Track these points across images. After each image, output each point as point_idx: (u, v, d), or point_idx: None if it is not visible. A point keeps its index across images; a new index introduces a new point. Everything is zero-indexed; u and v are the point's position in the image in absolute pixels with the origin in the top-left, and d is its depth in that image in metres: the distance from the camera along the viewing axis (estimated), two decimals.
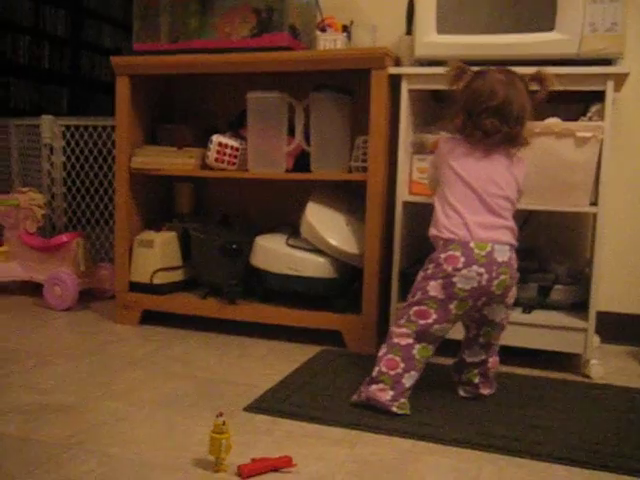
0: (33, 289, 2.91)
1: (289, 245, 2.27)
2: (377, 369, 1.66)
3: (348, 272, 2.26)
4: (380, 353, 1.68)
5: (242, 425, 1.55)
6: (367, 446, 1.47)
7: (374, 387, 1.65)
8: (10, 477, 1.28)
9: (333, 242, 2.20)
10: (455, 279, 1.61)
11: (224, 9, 2.36)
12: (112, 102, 2.45)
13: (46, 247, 2.84)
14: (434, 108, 2.34)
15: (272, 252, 2.27)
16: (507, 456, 1.43)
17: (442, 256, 1.63)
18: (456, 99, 1.73)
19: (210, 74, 2.43)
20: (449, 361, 1.87)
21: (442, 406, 1.70)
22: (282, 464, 1.34)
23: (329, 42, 2.31)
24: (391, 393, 1.62)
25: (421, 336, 1.64)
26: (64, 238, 2.80)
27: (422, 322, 1.64)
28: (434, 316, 1.63)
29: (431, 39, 2.07)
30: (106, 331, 2.40)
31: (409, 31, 2.29)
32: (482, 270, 1.60)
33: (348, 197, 2.35)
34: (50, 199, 3.20)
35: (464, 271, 1.60)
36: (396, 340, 1.66)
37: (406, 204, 2.15)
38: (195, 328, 2.41)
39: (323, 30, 2.35)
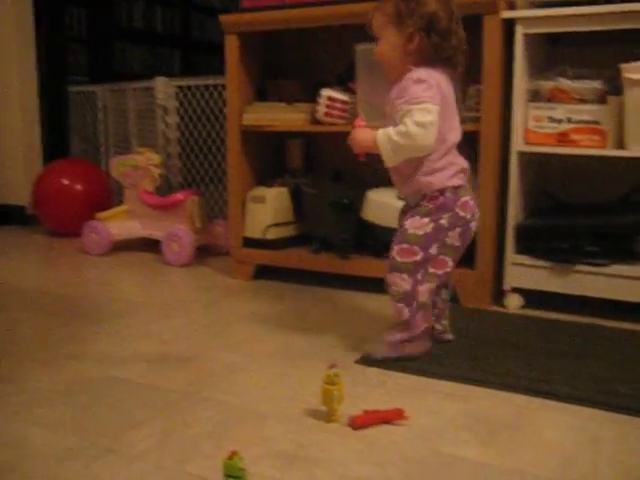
0: (152, 246, 3.03)
1: (400, 198, 2.23)
2: (413, 331, 1.64)
3: None
4: (408, 315, 1.61)
5: (354, 377, 1.55)
6: (480, 401, 1.44)
7: (414, 344, 1.65)
8: (134, 420, 1.35)
9: None
10: (472, 224, 1.63)
11: None
12: (222, 62, 2.48)
13: (163, 205, 2.93)
14: (549, 52, 2.23)
15: (383, 206, 2.25)
16: (629, 416, 1.37)
17: (458, 204, 1.59)
18: (401, 16, 1.56)
19: (317, 28, 2.40)
20: (572, 319, 1.80)
21: (559, 364, 1.64)
22: (394, 416, 1.33)
23: None
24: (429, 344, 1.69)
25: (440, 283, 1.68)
26: (180, 196, 2.89)
27: (441, 272, 1.64)
28: (450, 263, 1.63)
29: None
30: (221, 286, 2.47)
31: None
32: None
33: (460, 148, 2.28)
34: (166, 159, 3.30)
35: (477, 215, 1.64)
36: (423, 299, 1.63)
37: (521, 154, 2.07)
38: (307, 282, 2.43)
39: None
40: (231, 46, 2.43)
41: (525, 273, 2.08)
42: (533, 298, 2.10)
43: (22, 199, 3.78)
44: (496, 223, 2.12)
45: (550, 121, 2.02)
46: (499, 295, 2.14)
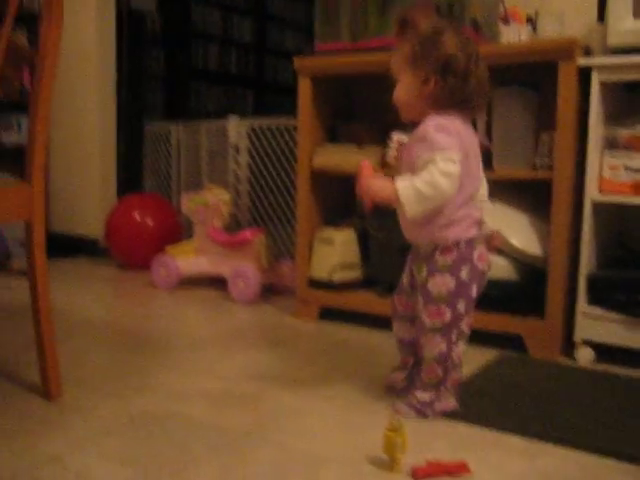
0: (218, 282, 3.06)
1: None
2: (442, 390, 1.58)
3: (531, 274, 2.16)
4: (442, 376, 1.56)
5: (418, 426, 1.52)
6: (548, 458, 1.39)
7: (443, 403, 1.59)
8: (194, 456, 1.35)
9: (515, 243, 2.12)
10: (486, 276, 1.57)
11: (404, 6, 2.34)
12: (294, 102, 2.52)
13: (231, 243, 2.97)
14: (626, 99, 2.18)
15: None
16: None
17: (475, 255, 1.52)
18: (416, 58, 1.50)
19: (389, 71, 2.41)
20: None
21: (633, 424, 1.57)
22: (457, 470, 1.30)
23: (513, 35, 2.22)
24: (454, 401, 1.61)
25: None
26: (248, 234, 2.92)
27: (468, 329, 1.59)
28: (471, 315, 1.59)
29: (627, 25, 1.93)
30: (286, 325, 2.47)
31: (601, 18, 2.15)
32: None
33: (532, 195, 2.25)
34: (235, 197, 3.35)
35: (491, 266, 1.59)
36: (457, 361, 1.59)
37: (595, 203, 2.02)
38: (372, 326, 2.41)
39: (506, 22, 2.26)
40: (304, 88, 2.47)
41: (597, 325, 2.01)
42: (605, 352, 2.03)
43: (95, 231, 3.89)
44: (567, 273, 2.06)
45: (626, 170, 1.97)
46: (569, 347, 2.07)
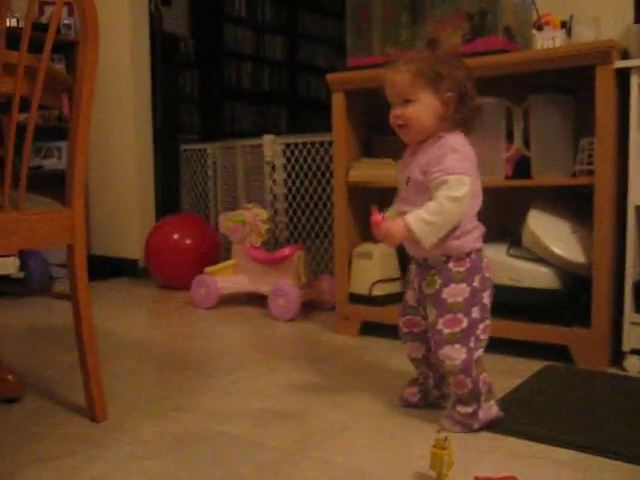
0: (258, 300, 3.06)
1: (510, 255, 2.18)
2: (480, 398, 1.55)
3: (574, 283, 2.12)
4: (471, 385, 1.53)
5: (464, 441, 1.49)
6: (602, 472, 1.35)
7: (485, 410, 1.57)
8: (239, 476, 1.34)
9: (558, 251, 2.08)
10: (493, 285, 1.60)
11: (435, 18, 2.34)
12: (328, 118, 2.52)
13: (270, 260, 2.97)
14: None
15: (492, 262, 2.18)
16: None
17: (483, 265, 1.57)
18: (439, 79, 1.50)
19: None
20: None
21: None
22: None
23: (547, 40, 2.20)
24: (496, 407, 1.60)
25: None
26: (286, 251, 2.92)
27: (486, 336, 1.57)
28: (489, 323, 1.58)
29: None
30: (327, 341, 2.46)
31: (638, 20, 2.11)
32: None
33: (573, 202, 2.21)
34: (273, 214, 3.36)
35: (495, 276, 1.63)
36: (475, 371, 1.54)
37: (639, 209, 1.98)
38: None
39: (540, 28, 2.23)
40: (338, 103, 2.47)
41: None
42: None
43: (135, 253, 3.93)
44: (613, 280, 2.02)
45: None
46: (618, 357, 2.03)
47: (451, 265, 1.54)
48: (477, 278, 1.55)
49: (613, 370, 2.00)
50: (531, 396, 1.77)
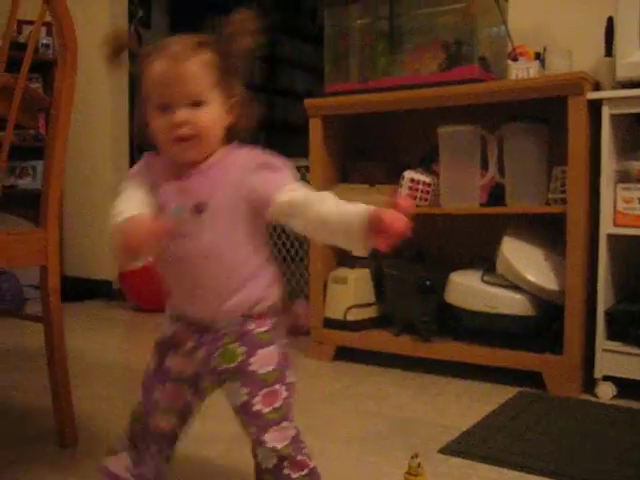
0: None
1: (484, 281, 2.19)
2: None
3: (548, 310, 2.14)
4: (308, 461, 1.15)
5: (437, 468, 1.49)
6: None
7: None
8: None
9: (531, 278, 2.10)
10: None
11: (412, 47, 2.37)
12: (303, 142, 2.53)
13: None
14: (638, 132, 2.18)
15: (467, 289, 2.21)
16: None
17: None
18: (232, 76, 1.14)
19: (400, 111, 2.43)
20: None
21: None
22: None
23: (521, 71, 2.23)
24: None
25: None
26: None
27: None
28: None
29: (635, 58, 1.93)
30: (300, 366, 2.44)
31: (609, 52, 2.16)
32: None
33: (546, 230, 2.24)
34: None
35: None
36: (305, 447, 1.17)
37: (611, 237, 2.01)
38: (388, 365, 2.38)
39: (515, 59, 2.27)
40: (315, 128, 2.48)
41: (618, 360, 1.98)
42: (627, 387, 1.99)
43: (109, 274, 3.90)
44: (585, 308, 2.04)
45: None
46: (590, 383, 2.04)
47: (253, 326, 1.14)
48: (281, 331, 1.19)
49: (585, 397, 2.01)
50: (505, 423, 1.78)
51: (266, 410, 1.12)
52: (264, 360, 1.14)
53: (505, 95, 2.13)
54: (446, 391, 2.11)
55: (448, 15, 2.33)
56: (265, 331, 1.15)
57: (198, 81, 1.09)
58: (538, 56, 2.28)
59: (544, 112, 2.17)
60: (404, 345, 2.34)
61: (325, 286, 2.51)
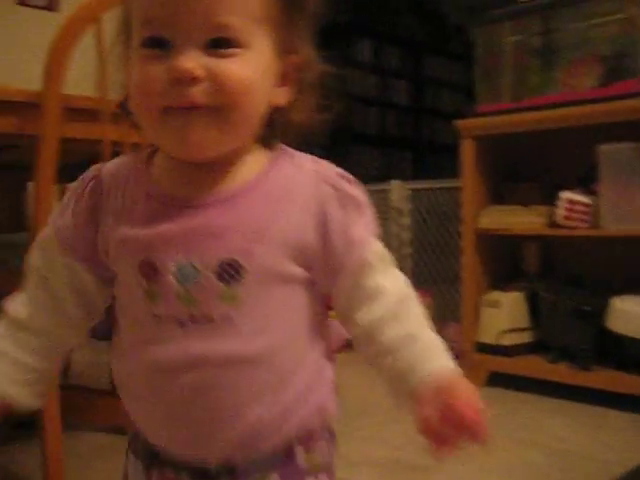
0: None
1: None
2: None
3: None
4: None
5: None
6: None
7: None
8: None
9: None
10: None
11: (567, 62, 2.30)
12: (452, 163, 2.51)
13: None
14: None
15: (632, 315, 2.09)
16: None
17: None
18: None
19: (554, 129, 2.36)
20: None
21: None
22: None
23: None
24: None
25: None
26: None
27: None
28: None
29: None
30: None
31: None
32: None
33: None
34: (399, 259, 3.35)
35: None
36: None
37: None
38: (543, 393, 2.29)
39: None
40: (467, 150, 2.45)
41: None
42: None
43: None
44: None
45: None
46: None
47: (299, 456, 0.71)
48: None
49: None
50: None
51: None
52: None
53: None
54: (608, 423, 2.00)
55: (606, 27, 2.24)
56: (315, 457, 0.73)
57: (233, 2, 0.60)
58: None
59: None
60: (561, 372, 2.24)
61: (478, 309, 2.46)
